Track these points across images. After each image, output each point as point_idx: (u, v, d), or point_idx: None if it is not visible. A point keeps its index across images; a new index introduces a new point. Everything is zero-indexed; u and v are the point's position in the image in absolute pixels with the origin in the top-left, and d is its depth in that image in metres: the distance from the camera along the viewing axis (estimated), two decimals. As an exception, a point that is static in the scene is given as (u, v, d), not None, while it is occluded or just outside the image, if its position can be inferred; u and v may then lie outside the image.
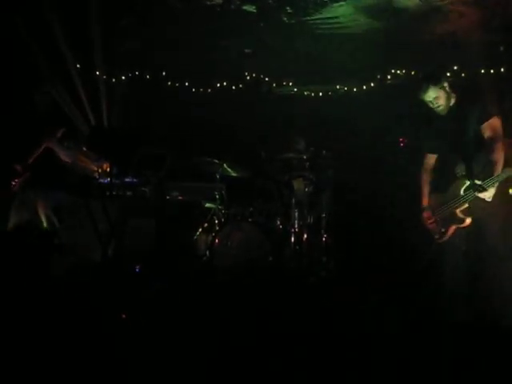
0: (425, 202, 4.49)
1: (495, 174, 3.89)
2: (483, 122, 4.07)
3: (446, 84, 4.22)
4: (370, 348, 3.62)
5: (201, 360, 3.40)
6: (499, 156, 3.95)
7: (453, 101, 4.28)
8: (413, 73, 8.56)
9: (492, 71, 7.54)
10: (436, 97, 4.19)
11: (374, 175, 7.38)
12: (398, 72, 8.72)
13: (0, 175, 5.19)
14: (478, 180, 3.97)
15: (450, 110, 4.27)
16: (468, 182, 4.08)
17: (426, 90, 4.20)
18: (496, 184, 3.91)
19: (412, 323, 4.10)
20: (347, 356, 3.49)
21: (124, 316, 4.08)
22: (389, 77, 8.82)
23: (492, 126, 4.06)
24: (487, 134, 4.05)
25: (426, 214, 4.45)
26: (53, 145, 5.15)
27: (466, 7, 6.98)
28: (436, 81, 4.19)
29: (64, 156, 5.23)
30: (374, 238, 6.68)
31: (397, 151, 7.81)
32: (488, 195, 3.94)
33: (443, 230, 4.29)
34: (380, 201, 6.93)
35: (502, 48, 7.20)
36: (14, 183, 5.07)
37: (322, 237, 6.24)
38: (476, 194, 3.97)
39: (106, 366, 3.24)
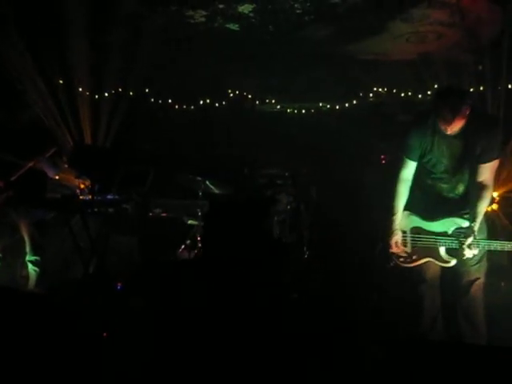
0: (395, 222, 3.95)
1: (475, 226, 3.59)
2: (484, 163, 3.67)
3: (467, 108, 3.57)
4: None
5: (185, 378, 3.39)
6: (485, 205, 3.67)
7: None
8: (394, 91, 8.71)
9: (472, 90, 7.67)
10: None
11: (356, 192, 7.44)
12: (380, 90, 8.85)
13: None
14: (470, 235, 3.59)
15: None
16: (465, 228, 3.68)
17: (444, 113, 3.58)
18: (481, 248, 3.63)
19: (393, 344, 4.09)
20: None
21: (105, 334, 4.04)
22: (371, 95, 8.95)
23: (491, 169, 3.69)
24: (483, 176, 3.68)
25: (395, 239, 3.94)
26: (42, 164, 5.11)
27: (444, 28, 7.11)
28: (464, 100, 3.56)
29: (50, 173, 5.20)
30: (356, 254, 6.71)
31: (379, 168, 7.88)
32: (467, 254, 3.62)
33: (414, 257, 3.91)
34: (362, 218, 6.97)
35: (480, 68, 7.31)
36: (-6, 200, 5.01)
37: (305, 253, 6.26)
38: (462, 246, 3.61)
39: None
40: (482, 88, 7.51)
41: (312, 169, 6.72)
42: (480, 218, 3.68)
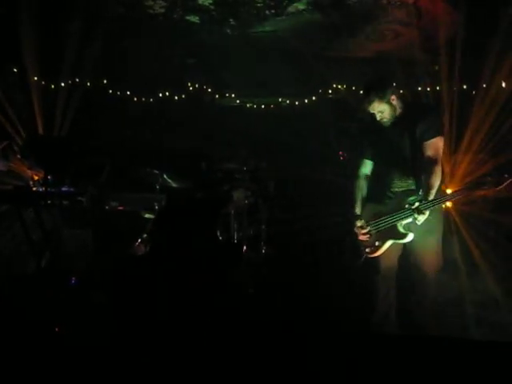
0: (358, 210, 4.24)
1: (429, 198, 3.81)
2: (426, 140, 3.94)
3: (393, 97, 4.02)
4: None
5: (140, 373, 3.36)
6: (436, 179, 3.87)
7: (399, 113, 4.07)
8: (353, 88, 8.79)
9: (428, 89, 7.82)
10: (380, 110, 4.02)
11: (314, 188, 7.50)
12: (339, 87, 8.92)
13: None
14: (417, 200, 3.85)
15: (395, 122, 4.08)
16: (413, 198, 3.92)
17: (370, 102, 4.01)
18: (431, 208, 3.81)
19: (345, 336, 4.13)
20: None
21: (58, 329, 3.98)
22: (330, 91, 9.01)
23: (434, 145, 3.93)
24: (427, 153, 3.93)
25: (359, 223, 4.18)
26: None
27: (402, 27, 7.22)
28: (382, 94, 3.99)
29: (0, 165, 5.07)
30: (314, 249, 6.76)
31: (337, 164, 7.96)
32: (420, 219, 3.82)
33: (378, 243, 4.10)
34: (320, 213, 7.02)
35: (436, 67, 7.45)
36: None
37: (262, 248, 6.26)
38: (414, 213, 3.83)
39: (39, 381, 3.16)
40: (437, 88, 7.67)
41: (270, 164, 6.71)
42: (432, 190, 3.86)
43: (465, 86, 7.83)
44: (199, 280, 4.95)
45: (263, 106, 9.12)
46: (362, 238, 4.19)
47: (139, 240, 6.19)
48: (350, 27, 7.51)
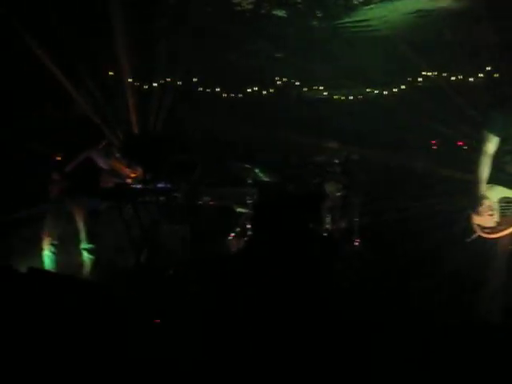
0: (482, 188, 4.04)
1: None
2: None
3: None
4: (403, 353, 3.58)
5: (235, 363, 3.40)
6: None
7: None
8: (444, 74, 8.49)
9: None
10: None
11: (407, 178, 7.32)
12: (430, 74, 8.65)
13: (39, 184, 5.27)
14: None
15: None
16: None
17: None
18: None
19: (448, 328, 4.02)
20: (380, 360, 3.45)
21: (158, 321, 4.08)
22: (420, 79, 8.75)
23: None
24: None
25: (487, 203, 4.01)
26: (94, 154, 5.22)
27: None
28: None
29: (102, 163, 5.30)
30: (409, 241, 6.61)
31: (429, 153, 7.74)
32: None
33: (500, 227, 3.96)
34: (414, 203, 6.85)
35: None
36: (50, 190, 5.14)
37: (355, 241, 6.18)
38: None
39: (141, 371, 3.26)
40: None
41: (361, 155, 6.61)
42: None
43: None
44: (294, 273, 4.96)
45: (351, 97, 9.00)
46: (484, 218, 4.04)
47: (232, 234, 6.29)
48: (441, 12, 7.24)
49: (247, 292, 5.10)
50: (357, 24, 7.67)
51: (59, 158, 5.17)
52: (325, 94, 9.04)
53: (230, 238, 6.28)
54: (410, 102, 8.39)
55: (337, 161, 6.30)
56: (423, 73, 8.73)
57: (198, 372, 3.29)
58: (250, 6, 7.08)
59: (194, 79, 8.60)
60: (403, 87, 8.84)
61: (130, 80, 7.91)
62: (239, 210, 6.45)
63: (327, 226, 6.06)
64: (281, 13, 7.27)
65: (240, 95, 8.82)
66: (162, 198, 5.24)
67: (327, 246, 5.62)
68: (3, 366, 2.96)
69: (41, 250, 5.20)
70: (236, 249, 6.13)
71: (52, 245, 5.18)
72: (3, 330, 3.16)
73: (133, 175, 5.67)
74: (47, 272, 4.79)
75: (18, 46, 5.96)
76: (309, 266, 5.08)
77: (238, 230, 6.27)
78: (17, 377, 2.94)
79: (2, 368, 2.95)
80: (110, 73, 7.79)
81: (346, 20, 7.56)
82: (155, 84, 8.34)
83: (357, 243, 6.17)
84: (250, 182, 6.25)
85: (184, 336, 3.80)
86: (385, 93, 8.95)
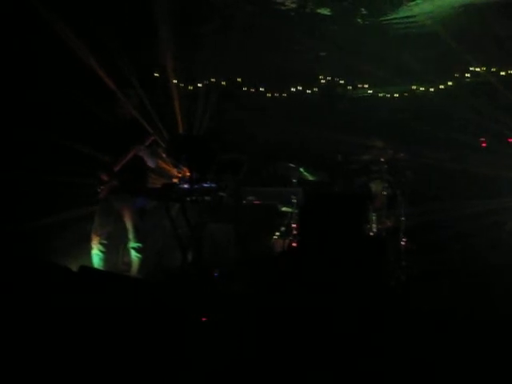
0: None
1: None
2: None
3: None
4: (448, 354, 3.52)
5: (280, 362, 3.41)
6: None
7: None
8: (493, 70, 8.28)
9: None
10: None
11: (455, 176, 7.18)
12: (478, 69, 8.44)
13: (87, 184, 5.39)
14: None
15: None
16: None
17: None
18: None
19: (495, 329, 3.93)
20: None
21: (204, 319, 4.11)
22: (467, 75, 8.55)
23: None
24: None
25: None
26: (142, 153, 5.30)
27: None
28: None
29: (150, 163, 5.38)
30: (455, 240, 6.49)
31: (477, 152, 7.58)
32: None
33: None
34: (463, 202, 6.72)
35: None
36: (99, 190, 5.24)
37: (401, 240, 6.10)
38: None
39: (188, 367, 3.29)
40: None
41: (407, 154, 6.50)
42: None
43: None
44: (343, 273, 4.93)
45: (397, 95, 8.87)
46: None
47: (277, 233, 6.30)
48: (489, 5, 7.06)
49: (295, 292, 5.11)
50: (402, 20, 7.56)
51: (107, 159, 5.28)
52: (370, 91, 8.93)
53: (274, 237, 6.29)
54: (457, 98, 8.21)
55: (382, 159, 6.24)
56: (471, 68, 8.52)
57: (244, 370, 3.32)
58: (294, 5, 7.06)
59: (238, 79, 8.62)
60: (450, 83, 8.63)
61: (174, 81, 8.01)
62: (284, 209, 6.45)
63: (373, 226, 6.00)
64: (325, 11, 7.23)
65: (284, 94, 8.80)
66: (207, 198, 5.28)
67: (374, 246, 5.54)
68: (60, 362, 3.03)
69: (90, 249, 5.32)
70: (281, 249, 6.13)
71: (101, 244, 5.29)
72: (58, 326, 3.24)
73: (179, 175, 5.74)
74: (98, 270, 4.90)
75: (67, 49, 6.09)
76: (357, 266, 5.02)
77: (283, 229, 6.28)
78: (74, 373, 3.01)
79: (58, 365, 3.02)
80: (156, 74, 7.89)
81: (392, 17, 7.45)
82: (200, 84, 8.40)
83: (403, 242, 6.09)
84: (294, 181, 6.26)
85: (230, 334, 3.83)
86: (431, 90, 8.76)
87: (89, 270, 4.33)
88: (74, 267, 4.03)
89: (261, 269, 5.74)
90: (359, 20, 7.50)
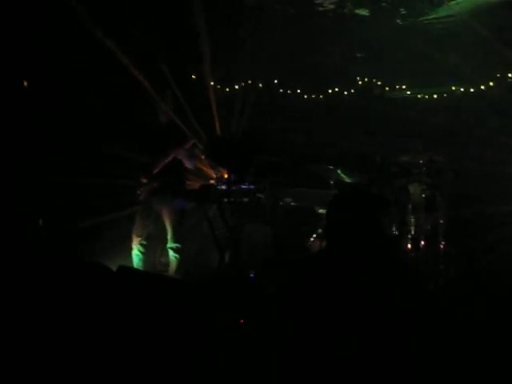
0: None
1: None
2: None
3: None
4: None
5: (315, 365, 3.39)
6: None
7: None
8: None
9: None
10: None
11: (495, 179, 7.03)
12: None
13: (128, 187, 5.48)
14: None
15: None
16: None
17: None
18: None
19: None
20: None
21: (242, 321, 4.13)
22: (510, 75, 8.37)
23: None
24: None
25: None
26: (181, 155, 5.37)
27: None
28: None
29: (188, 164, 5.44)
30: (496, 245, 6.35)
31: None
32: None
33: None
34: (505, 207, 6.57)
35: None
36: (139, 192, 5.33)
37: (440, 243, 6.01)
38: None
39: (228, 367, 3.31)
40: None
41: (446, 156, 6.41)
42: None
43: None
44: (379, 276, 4.88)
45: (435, 96, 8.73)
46: None
47: (314, 235, 6.28)
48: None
49: (329, 295, 5.07)
50: (442, 20, 7.44)
51: (147, 162, 5.37)
52: (408, 93, 8.82)
53: (311, 239, 6.28)
54: (498, 99, 8.04)
55: (421, 161, 6.16)
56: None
57: (279, 372, 3.31)
58: (332, 6, 7.03)
59: (275, 81, 8.62)
60: (491, 84, 8.46)
61: (211, 83, 8.06)
62: (321, 211, 6.43)
63: (412, 228, 5.93)
64: (364, 12, 7.18)
65: (321, 96, 8.76)
66: (245, 199, 5.30)
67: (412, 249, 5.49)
68: (100, 360, 3.09)
69: (130, 249, 5.40)
70: (318, 251, 6.11)
71: (141, 244, 5.38)
72: (99, 324, 3.30)
73: (217, 176, 5.79)
74: (137, 270, 4.97)
75: (106, 52, 6.18)
76: (394, 269, 4.96)
77: (320, 231, 6.26)
78: (114, 371, 3.06)
79: (99, 363, 3.07)
80: (193, 76, 7.95)
81: (431, 16, 7.35)
82: (236, 86, 8.43)
83: (442, 245, 6.00)
84: (332, 183, 6.23)
85: (266, 336, 3.83)
86: (471, 90, 8.60)
87: (127, 269, 4.39)
88: (113, 268, 4.09)
89: (296, 272, 5.71)
90: (398, 20, 7.42)
